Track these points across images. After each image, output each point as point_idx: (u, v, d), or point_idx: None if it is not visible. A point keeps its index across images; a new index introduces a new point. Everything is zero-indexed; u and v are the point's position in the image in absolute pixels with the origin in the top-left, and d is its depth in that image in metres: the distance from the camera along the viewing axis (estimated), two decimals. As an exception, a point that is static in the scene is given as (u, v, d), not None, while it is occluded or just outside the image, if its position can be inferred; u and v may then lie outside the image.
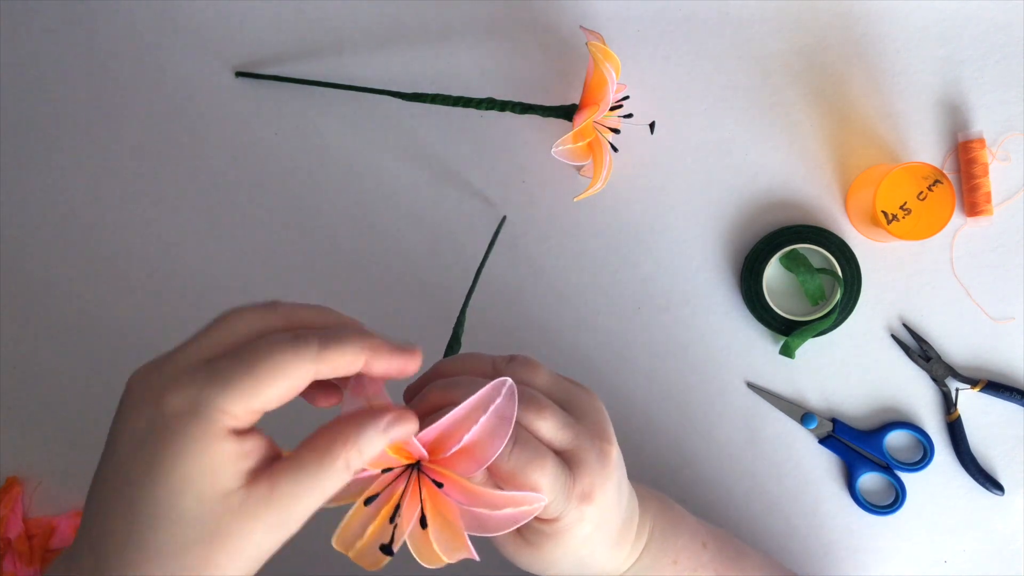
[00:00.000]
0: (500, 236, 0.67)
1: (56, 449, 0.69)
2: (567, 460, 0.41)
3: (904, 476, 0.66)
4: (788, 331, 0.65)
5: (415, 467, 0.39)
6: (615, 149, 0.63)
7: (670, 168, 0.67)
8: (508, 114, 0.65)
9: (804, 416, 0.66)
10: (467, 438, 0.38)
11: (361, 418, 0.36)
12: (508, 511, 0.39)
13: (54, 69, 0.69)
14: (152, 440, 0.33)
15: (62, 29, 0.69)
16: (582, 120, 0.60)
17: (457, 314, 0.58)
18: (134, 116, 0.69)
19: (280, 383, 0.34)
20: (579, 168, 0.66)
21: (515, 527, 0.40)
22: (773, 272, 0.66)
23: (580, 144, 0.61)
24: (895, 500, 0.66)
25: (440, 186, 0.68)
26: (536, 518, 0.41)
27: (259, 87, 0.68)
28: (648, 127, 0.65)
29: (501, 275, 0.67)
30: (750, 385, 0.67)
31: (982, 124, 0.65)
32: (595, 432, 0.43)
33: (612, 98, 0.61)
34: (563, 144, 0.60)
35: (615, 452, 0.43)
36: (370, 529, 0.39)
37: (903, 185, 0.61)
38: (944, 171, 0.64)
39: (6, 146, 0.69)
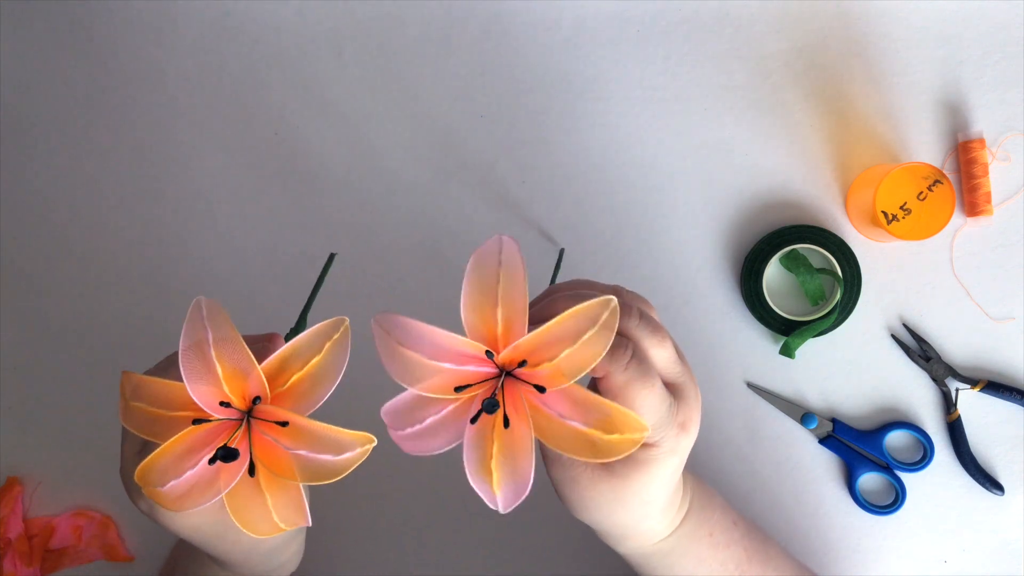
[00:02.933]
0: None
1: (56, 449, 0.69)
2: (673, 391, 0.43)
3: (904, 476, 0.66)
4: (788, 331, 0.65)
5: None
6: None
7: (670, 168, 0.67)
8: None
9: (804, 416, 0.66)
10: (574, 346, 0.37)
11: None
12: (616, 436, 0.37)
13: (54, 69, 0.69)
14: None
15: (62, 29, 0.69)
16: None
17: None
18: (134, 116, 0.69)
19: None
20: None
21: (618, 457, 0.38)
22: (773, 272, 0.66)
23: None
24: (895, 500, 0.66)
25: (439, 188, 0.68)
26: None
27: (259, 87, 0.68)
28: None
29: (501, 275, 0.67)
30: (750, 385, 0.67)
31: (982, 124, 0.65)
32: (692, 374, 0.45)
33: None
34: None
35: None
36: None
37: (903, 185, 0.61)
38: (944, 171, 0.64)
39: (6, 146, 0.69)
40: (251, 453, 0.38)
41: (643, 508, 0.45)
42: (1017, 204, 0.66)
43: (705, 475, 0.67)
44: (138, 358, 0.68)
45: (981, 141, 0.65)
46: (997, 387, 0.65)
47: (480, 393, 0.38)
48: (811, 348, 0.66)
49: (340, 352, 0.38)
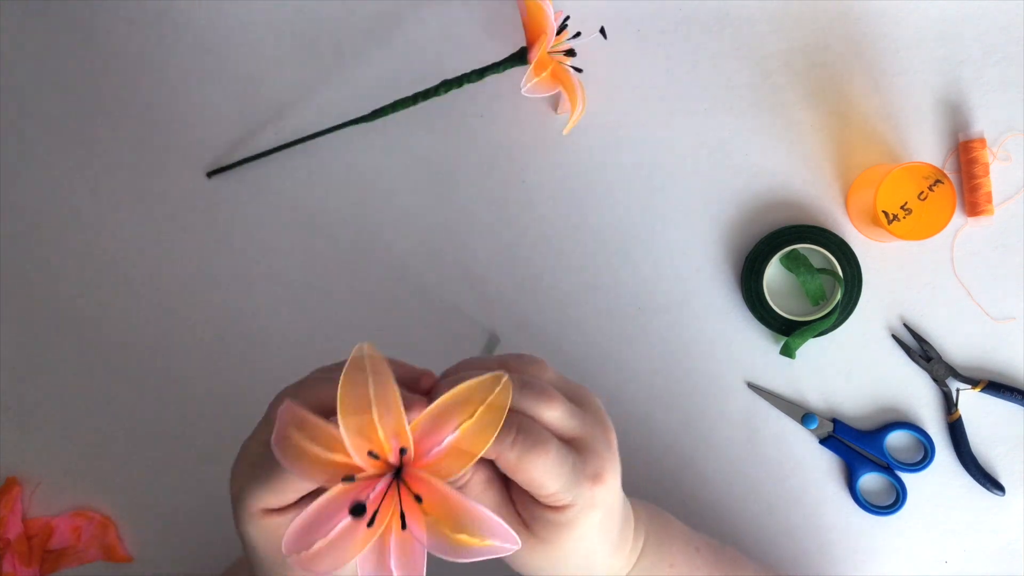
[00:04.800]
0: (499, 236, 0.67)
1: (56, 449, 0.69)
2: (575, 447, 0.42)
3: (905, 476, 0.66)
4: (788, 331, 0.65)
5: (395, 476, 0.37)
6: (579, 70, 0.64)
7: (670, 168, 0.67)
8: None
9: (804, 416, 0.66)
10: (457, 431, 0.36)
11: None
12: (488, 543, 0.37)
13: (54, 69, 0.69)
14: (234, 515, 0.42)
15: (62, 29, 0.69)
16: (536, 52, 0.61)
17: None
18: (134, 115, 0.69)
19: (297, 485, 0.39)
20: (555, 105, 0.67)
21: (490, 556, 0.37)
22: (773, 272, 0.66)
23: (543, 76, 0.62)
24: (896, 500, 0.66)
25: (436, 196, 0.68)
26: (548, 507, 0.41)
27: (259, 87, 0.68)
28: (600, 33, 0.65)
29: (500, 276, 0.67)
30: (750, 385, 0.67)
31: (983, 124, 0.65)
32: (599, 420, 0.44)
33: (554, 23, 0.62)
34: (528, 81, 0.61)
35: (616, 441, 0.44)
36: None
37: (904, 185, 0.61)
38: (945, 171, 0.64)
39: (6, 146, 0.69)
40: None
41: (586, 561, 0.44)
42: (1018, 204, 0.65)
43: (705, 475, 0.66)
44: (138, 358, 0.69)
45: (982, 141, 0.65)
46: (998, 387, 0.65)
47: (368, 491, 0.37)
48: (812, 348, 0.66)
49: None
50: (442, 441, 0.37)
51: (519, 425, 0.40)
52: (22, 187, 0.69)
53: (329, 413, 0.37)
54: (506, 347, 0.67)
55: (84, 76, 0.69)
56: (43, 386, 0.69)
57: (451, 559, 0.37)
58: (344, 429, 0.36)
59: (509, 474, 0.40)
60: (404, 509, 0.37)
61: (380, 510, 0.36)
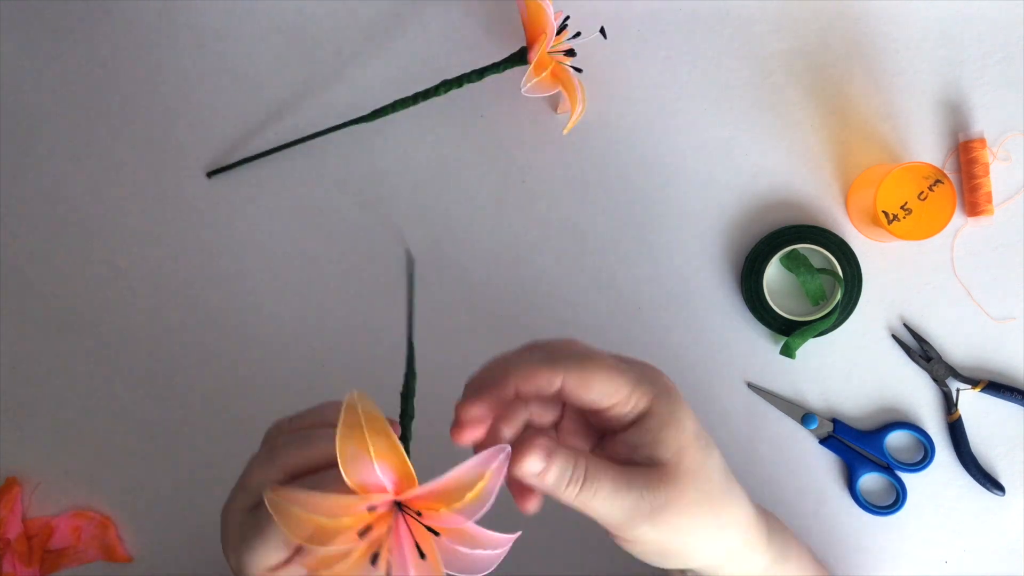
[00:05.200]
0: (499, 237, 0.67)
1: (56, 449, 0.69)
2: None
3: (905, 476, 0.66)
4: (788, 331, 0.65)
5: (399, 508, 0.39)
6: (579, 70, 0.64)
7: (670, 168, 0.67)
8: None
9: (804, 416, 0.66)
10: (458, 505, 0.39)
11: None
12: (498, 551, 0.40)
13: (54, 69, 0.69)
14: None
15: (62, 29, 0.69)
16: (536, 52, 0.61)
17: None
18: (134, 115, 0.69)
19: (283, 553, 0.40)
20: (555, 105, 0.67)
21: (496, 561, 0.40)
22: (773, 272, 0.66)
23: (543, 76, 0.62)
24: (896, 500, 0.66)
25: (436, 196, 0.68)
26: (634, 423, 0.42)
27: (259, 87, 0.68)
28: (600, 33, 0.65)
29: (500, 277, 0.67)
30: (750, 385, 0.67)
31: (983, 124, 0.65)
32: (649, 367, 0.45)
33: (554, 23, 0.62)
34: (528, 81, 0.61)
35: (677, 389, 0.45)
36: (353, 558, 0.39)
37: (904, 185, 0.61)
38: (945, 171, 0.64)
39: (6, 146, 0.69)
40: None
41: (708, 504, 0.43)
42: (1018, 204, 0.65)
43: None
44: (138, 358, 0.69)
45: (982, 141, 0.65)
46: (998, 387, 0.65)
47: (381, 535, 0.39)
48: (811, 348, 0.66)
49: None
50: (452, 504, 0.39)
51: (570, 350, 0.42)
52: (22, 187, 0.69)
53: (313, 470, 0.39)
54: (507, 348, 0.67)
55: (84, 76, 0.69)
56: (43, 386, 0.69)
57: (467, 574, 0.39)
58: (350, 483, 0.37)
59: (577, 399, 0.42)
60: (417, 539, 0.39)
61: (392, 546, 0.39)
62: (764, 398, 0.66)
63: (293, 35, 0.68)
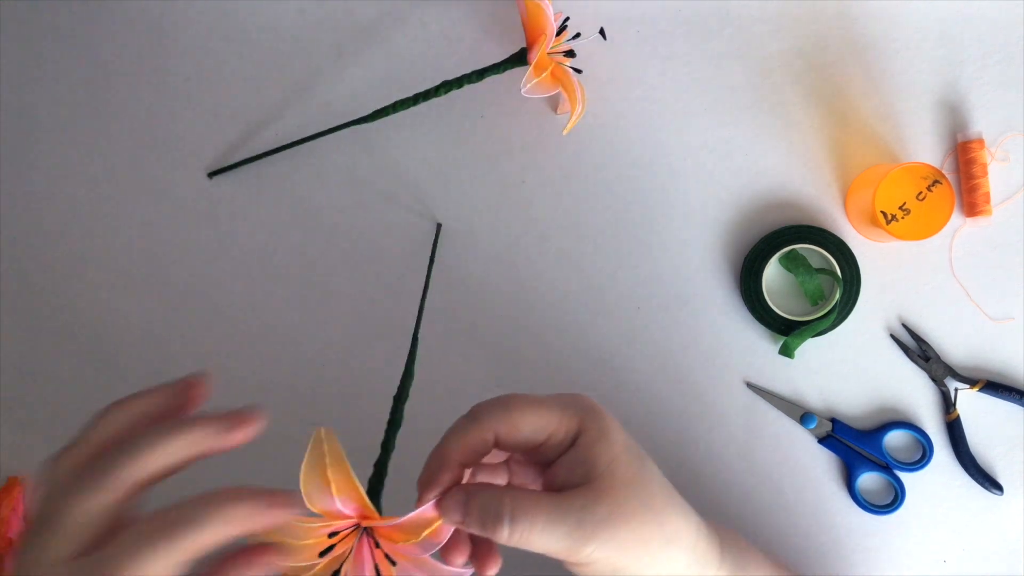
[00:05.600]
0: (499, 236, 0.67)
1: (56, 449, 0.69)
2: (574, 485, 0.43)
3: (903, 476, 0.66)
4: (787, 331, 0.65)
5: (364, 530, 0.42)
6: (579, 71, 0.64)
7: (670, 168, 0.67)
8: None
9: (803, 416, 0.66)
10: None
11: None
12: None
13: (54, 69, 0.69)
14: None
15: (63, 29, 0.69)
16: (536, 53, 0.61)
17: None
18: (134, 116, 0.69)
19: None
20: (555, 106, 0.67)
21: None
22: (772, 272, 0.66)
23: (543, 77, 0.62)
24: (894, 500, 0.66)
25: (436, 197, 0.68)
26: (559, 446, 0.44)
27: (260, 87, 0.68)
28: (600, 34, 0.65)
29: (500, 277, 0.67)
30: (749, 385, 0.67)
31: (981, 124, 0.65)
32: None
33: (554, 24, 0.62)
34: (527, 82, 0.61)
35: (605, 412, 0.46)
36: (317, 570, 0.41)
37: (902, 185, 0.61)
38: (943, 171, 0.64)
39: (6, 146, 0.69)
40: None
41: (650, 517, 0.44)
42: (1016, 204, 0.66)
43: (705, 475, 0.67)
44: (138, 358, 0.69)
45: (980, 141, 0.65)
46: (996, 387, 0.65)
47: (343, 554, 0.41)
48: (810, 348, 0.66)
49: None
50: (408, 540, 0.42)
51: (493, 403, 0.44)
52: (23, 187, 0.69)
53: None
54: (507, 348, 0.67)
55: (85, 77, 0.69)
56: (43, 386, 0.69)
57: None
58: (313, 510, 0.40)
59: (514, 445, 0.44)
60: (377, 562, 0.42)
61: (352, 566, 0.41)
62: (763, 398, 0.67)
63: (293, 35, 0.68)
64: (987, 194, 0.64)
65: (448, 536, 0.42)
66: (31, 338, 0.69)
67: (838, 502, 0.67)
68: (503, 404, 0.44)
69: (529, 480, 0.48)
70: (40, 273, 0.69)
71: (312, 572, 0.41)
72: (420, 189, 0.68)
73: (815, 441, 0.67)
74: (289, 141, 0.67)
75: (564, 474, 0.44)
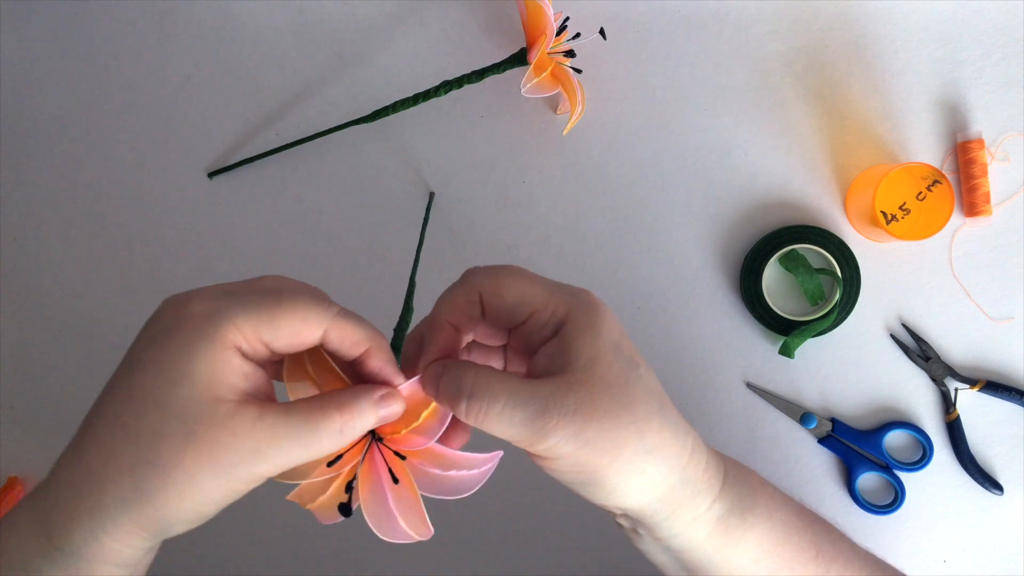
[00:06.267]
0: (500, 237, 0.67)
1: (56, 449, 0.68)
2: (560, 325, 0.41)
3: (903, 476, 0.66)
4: (787, 331, 0.65)
5: (373, 436, 0.41)
6: (579, 71, 0.64)
7: (670, 168, 0.67)
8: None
9: (803, 416, 0.66)
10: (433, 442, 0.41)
11: (359, 391, 0.38)
12: (476, 471, 0.41)
13: (54, 69, 0.69)
14: (165, 335, 0.35)
15: (62, 29, 0.69)
16: (536, 52, 0.62)
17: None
18: (134, 116, 0.69)
19: (294, 321, 0.36)
20: (555, 106, 0.67)
21: (483, 481, 0.41)
22: (772, 272, 0.66)
23: (543, 77, 0.62)
24: (894, 500, 0.66)
25: (436, 196, 0.68)
26: (545, 328, 0.41)
27: (260, 87, 0.68)
28: (600, 34, 0.65)
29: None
30: (749, 385, 0.67)
31: (981, 124, 0.66)
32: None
33: (554, 24, 0.62)
34: (527, 82, 0.61)
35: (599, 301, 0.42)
36: (331, 489, 0.41)
37: (902, 185, 0.61)
38: (943, 171, 0.64)
39: (6, 146, 0.69)
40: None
41: (641, 408, 0.40)
42: (1016, 204, 0.66)
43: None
44: (138, 358, 0.69)
45: (980, 141, 0.65)
46: (996, 387, 0.65)
47: (353, 466, 0.41)
48: (810, 348, 0.66)
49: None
50: (406, 427, 0.41)
51: (486, 268, 0.42)
52: (22, 187, 0.69)
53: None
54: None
55: (85, 77, 0.69)
56: (43, 386, 0.69)
57: (449, 496, 0.41)
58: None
59: (496, 311, 0.42)
60: (390, 465, 0.40)
61: (365, 474, 0.41)
62: (763, 398, 0.67)
63: (293, 35, 0.68)
64: (987, 194, 0.64)
65: (447, 420, 0.40)
66: (31, 338, 0.69)
67: (838, 502, 0.67)
68: (493, 268, 0.42)
69: (522, 369, 0.45)
70: (40, 273, 0.69)
71: (328, 491, 0.40)
72: (420, 189, 0.68)
73: (815, 441, 0.67)
74: (289, 141, 0.67)
75: (544, 362, 0.41)
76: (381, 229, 0.68)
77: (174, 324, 0.35)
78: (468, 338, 0.44)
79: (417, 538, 0.41)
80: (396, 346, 0.52)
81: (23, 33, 0.69)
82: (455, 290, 0.43)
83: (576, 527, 0.66)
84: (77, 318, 0.69)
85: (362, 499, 0.41)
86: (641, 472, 0.40)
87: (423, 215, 0.67)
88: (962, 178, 0.65)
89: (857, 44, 0.66)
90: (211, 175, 0.68)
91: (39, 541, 0.35)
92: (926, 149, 0.66)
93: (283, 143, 0.67)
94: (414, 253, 0.66)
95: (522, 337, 0.43)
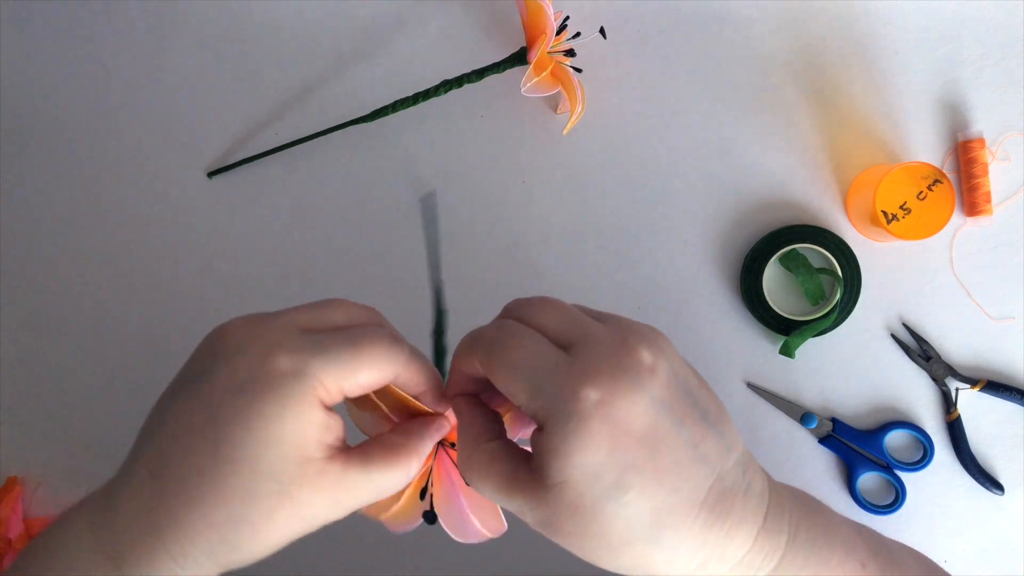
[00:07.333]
0: (500, 237, 0.67)
1: (56, 449, 0.69)
2: (570, 350, 0.36)
3: (904, 476, 0.66)
4: (788, 331, 0.65)
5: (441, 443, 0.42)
6: (579, 70, 0.64)
7: (670, 168, 0.67)
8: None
9: (804, 416, 0.66)
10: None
11: (423, 428, 0.39)
12: (486, 532, 0.42)
13: (54, 69, 0.69)
14: (251, 390, 0.34)
15: (62, 29, 0.69)
16: (536, 52, 0.62)
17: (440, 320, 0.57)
18: (134, 116, 0.69)
19: (374, 370, 0.36)
20: (555, 105, 0.67)
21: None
22: (773, 272, 0.66)
23: (543, 76, 0.62)
24: (895, 500, 0.66)
25: (440, 187, 0.68)
26: (537, 433, 0.36)
27: (259, 87, 0.68)
28: (600, 33, 0.65)
29: (500, 278, 0.67)
30: (750, 385, 0.67)
31: (982, 124, 0.65)
32: (618, 324, 0.37)
33: (554, 23, 0.62)
34: (527, 82, 0.61)
35: (646, 354, 0.36)
36: (404, 497, 0.41)
37: (903, 185, 0.61)
38: (944, 171, 0.64)
39: (6, 146, 0.69)
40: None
41: (624, 530, 0.35)
42: (1017, 204, 0.66)
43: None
44: (139, 358, 0.69)
45: (981, 141, 0.65)
46: (997, 387, 0.65)
47: (425, 472, 0.42)
48: (811, 348, 0.66)
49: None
50: None
51: (499, 325, 0.38)
52: (22, 187, 0.69)
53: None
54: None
55: (85, 76, 0.69)
56: (43, 386, 0.69)
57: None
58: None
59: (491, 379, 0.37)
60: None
61: (437, 479, 0.42)
62: (763, 397, 0.67)
63: (293, 35, 0.68)
64: (988, 193, 0.64)
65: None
66: (31, 338, 0.69)
67: (839, 502, 0.66)
68: (492, 346, 0.37)
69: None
70: (40, 273, 0.69)
71: (401, 500, 0.41)
72: (420, 189, 0.68)
73: (815, 441, 0.67)
74: (289, 141, 0.67)
75: (534, 447, 0.37)
76: (381, 229, 0.68)
77: (261, 379, 0.34)
78: None
79: (491, 536, 0.41)
80: (437, 351, 0.51)
81: (23, 33, 0.69)
82: (466, 346, 0.39)
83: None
84: (77, 318, 0.69)
85: (436, 505, 0.41)
86: (633, 564, 0.36)
87: (425, 215, 0.67)
88: (963, 178, 0.65)
89: (857, 44, 0.66)
90: (210, 175, 0.68)
91: (104, 567, 0.36)
92: (926, 149, 0.66)
93: (283, 143, 0.67)
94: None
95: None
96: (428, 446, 0.38)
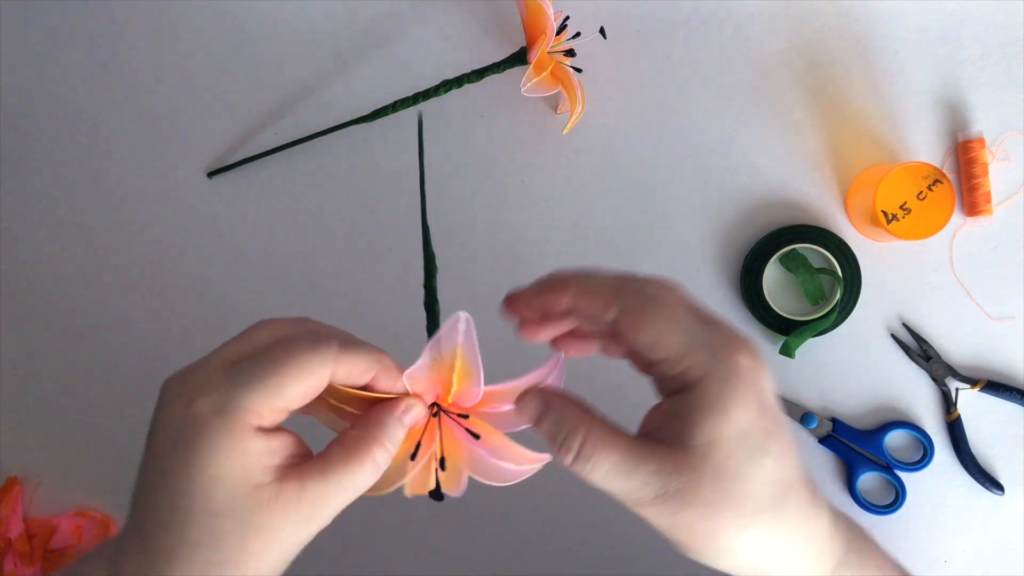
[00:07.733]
0: (499, 236, 0.67)
1: (56, 449, 0.69)
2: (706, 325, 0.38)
3: (904, 476, 0.66)
4: (788, 331, 0.65)
5: (437, 409, 0.41)
6: (579, 70, 0.64)
7: (670, 168, 0.67)
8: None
9: (804, 416, 0.66)
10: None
11: (380, 415, 0.38)
12: (525, 467, 0.40)
13: (54, 69, 0.69)
14: (184, 438, 0.35)
15: (63, 29, 0.69)
16: (536, 52, 0.62)
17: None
18: (134, 116, 0.69)
19: (301, 382, 0.36)
20: (555, 105, 0.67)
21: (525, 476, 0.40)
22: (773, 272, 0.66)
23: (543, 76, 0.62)
24: (895, 500, 0.66)
25: (436, 196, 0.68)
26: (679, 389, 0.37)
27: (259, 87, 0.68)
28: (600, 33, 0.65)
29: (500, 278, 0.67)
30: (750, 385, 0.67)
31: (982, 124, 0.65)
32: (732, 328, 0.39)
33: (554, 23, 0.62)
34: (527, 81, 0.61)
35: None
36: (418, 470, 0.41)
37: (903, 185, 0.61)
38: (944, 171, 0.64)
39: (6, 146, 0.69)
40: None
41: (756, 494, 0.36)
42: (1017, 204, 0.66)
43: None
44: (139, 358, 0.69)
45: (981, 141, 0.65)
46: (997, 387, 0.65)
47: (417, 430, 0.41)
48: (811, 348, 0.66)
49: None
50: (493, 408, 0.41)
51: (642, 287, 0.38)
52: (22, 187, 0.69)
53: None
54: (506, 349, 0.67)
55: (85, 76, 0.69)
56: (43, 386, 0.69)
57: (488, 480, 0.41)
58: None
59: (626, 339, 0.38)
60: (465, 427, 0.41)
61: (447, 451, 0.41)
62: (763, 398, 0.67)
63: (293, 35, 0.68)
64: (988, 193, 0.64)
65: (479, 370, 0.40)
66: (31, 338, 0.69)
67: (839, 502, 0.66)
68: (645, 297, 0.37)
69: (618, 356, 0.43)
70: (40, 273, 0.69)
71: (410, 474, 0.40)
72: (411, 201, 0.68)
73: (815, 441, 0.67)
74: (288, 141, 0.67)
75: (659, 418, 0.38)
76: (381, 229, 0.68)
77: (187, 427, 0.35)
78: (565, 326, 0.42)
79: (535, 467, 0.40)
80: (429, 306, 0.49)
81: (23, 33, 0.69)
82: (603, 284, 0.39)
83: (577, 527, 0.66)
84: (77, 318, 0.69)
85: (466, 467, 0.41)
86: (733, 553, 0.37)
87: (421, 190, 0.67)
88: (963, 178, 0.65)
89: (857, 44, 0.66)
90: (210, 175, 0.68)
91: None
92: (927, 149, 0.66)
93: (283, 143, 0.67)
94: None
95: (641, 365, 0.40)
96: (394, 429, 0.38)
